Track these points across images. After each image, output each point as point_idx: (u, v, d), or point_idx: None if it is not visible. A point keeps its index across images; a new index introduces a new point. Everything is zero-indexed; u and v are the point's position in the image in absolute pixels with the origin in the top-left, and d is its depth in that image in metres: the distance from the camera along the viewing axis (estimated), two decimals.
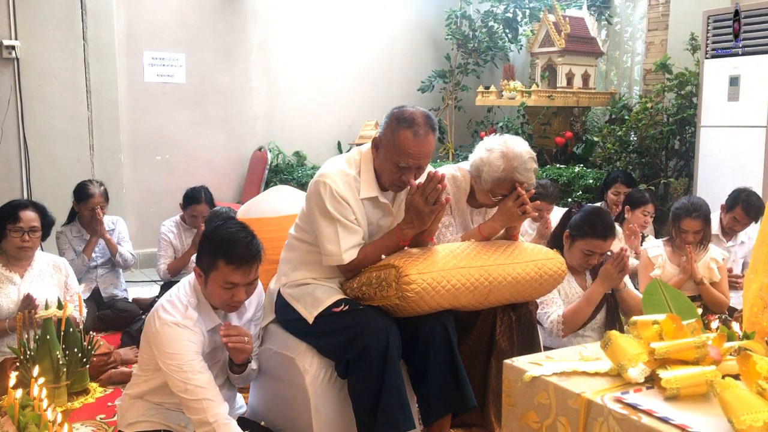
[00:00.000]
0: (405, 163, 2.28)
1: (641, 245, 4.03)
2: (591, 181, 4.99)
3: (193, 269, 2.26)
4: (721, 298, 3.43)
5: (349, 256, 2.32)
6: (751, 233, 3.94)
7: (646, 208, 4.02)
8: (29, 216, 3.19)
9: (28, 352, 2.83)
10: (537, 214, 3.80)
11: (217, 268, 2.15)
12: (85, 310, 3.35)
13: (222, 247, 2.15)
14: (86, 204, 3.97)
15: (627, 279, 3.08)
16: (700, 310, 3.19)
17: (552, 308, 2.85)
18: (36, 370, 2.41)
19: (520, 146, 2.54)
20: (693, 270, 3.39)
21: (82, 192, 3.99)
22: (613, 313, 3.00)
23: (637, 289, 3.59)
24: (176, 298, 2.23)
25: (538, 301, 2.77)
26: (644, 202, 4.03)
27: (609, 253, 3.06)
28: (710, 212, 3.52)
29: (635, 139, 5.44)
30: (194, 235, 4.04)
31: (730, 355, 1.52)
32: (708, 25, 4.66)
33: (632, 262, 3.73)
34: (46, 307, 2.99)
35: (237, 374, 2.35)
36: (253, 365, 2.41)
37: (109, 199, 4.09)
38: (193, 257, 2.72)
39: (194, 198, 4.12)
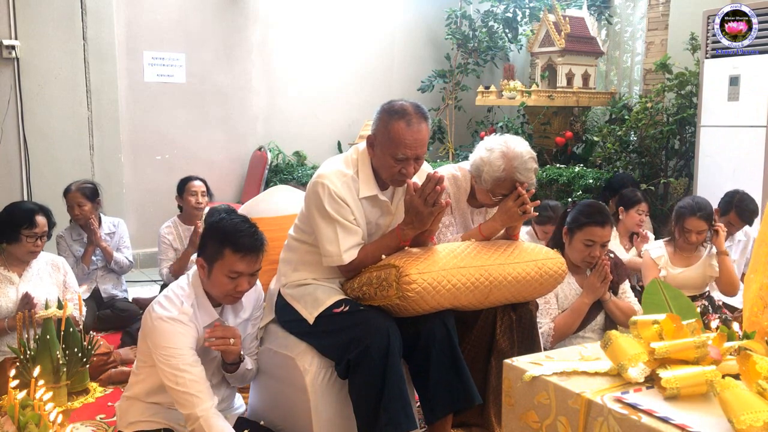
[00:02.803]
0: (403, 155, 2.28)
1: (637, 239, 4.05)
2: (591, 181, 4.99)
3: (196, 261, 2.28)
4: (735, 279, 3.44)
5: (348, 256, 2.32)
6: (748, 231, 3.95)
7: (640, 207, 4.03)
8: (42, 221, 3.23)
9: (28, 352, 2.83)
10: (546, 233, 3.80)
11: (223, 257, 2.18)
12: (84, 310, 3.35)
13: (228, 237, 2.19)
14: (66, 200, 4.04)
15: (625, 283, 3.08)
16: (699, 309, 3.20)
17: (544, 320, 2.85)
18: (36, 371, 2.40)
19: (520, 146, 2.54)
20: (719, 241, 3.38)
21: (65, 189, 4.06)
22: None
23: (641, 289, 3.60)
24: (173, 294, 2.26)
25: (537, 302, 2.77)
26: (637, 201, 4.05)
27: (612, 255, 3.06)
28: (713, 211, 3.53)
29: (635, 139, 5.44)
30: (191, 233, 4.04)
31: (730, 355, 1.52)
32: (708, 25, 4.65)
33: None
34: (46, 306, 3.00)
35: (230, 373, 2.35)
36: (248, 365, 2.40)
37: (98, 199, 4.07)
38: (193, 256, 2.73)
39: (188, 178, 4.26)
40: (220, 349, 2.23)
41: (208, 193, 4.25)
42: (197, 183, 4.22)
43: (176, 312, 2.18)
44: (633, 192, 4.15)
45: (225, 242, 2.18)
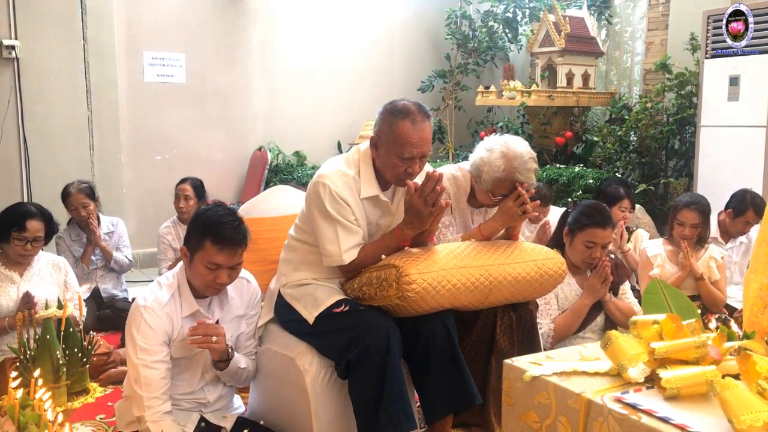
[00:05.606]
0: (409, 154, 2.28)
1: (629, 240, 4.03)
2: (591, 181, 4.99)
3: (180, 250, 2.31)
4: (719, 296, 3.43)
5: (349, 256, 2.32)
6: (749, 233, 3.94)
7: (622, 203, 4.01)
8: (35, 226, 3.20)
9: (28, 352, 2.83)
10: (537, 214, 3.79)
11: (203, 248, 2.20)
12: (84, 310, 3.35)
13: (210, 228, 2.20)
14: (68, 204, 4.03)
15: (626, 284, 3.07)
16: (699, 310, 3.19)
17: (544, 320, 2.85)
18: (38, 372, 2.40)
19: (520, 146, 2.54)
20: (691, 266, 3.38)
21: (63, 193, 4.05)
22: None
23: (638, 289, 3.60)
24: (157, 283, 2.30)
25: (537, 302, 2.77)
26: (620, 198, 4.02)
27: (612, 256, 3.06)
28: (710, 209, 3.51)
29: (635, 139, 5.44)
30: None
31: (730, 355, 1.52)
32: (708, 25, 4.65)
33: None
34: (46, 306, 2.99)
35: (220, 371, 2.34)
36: (241, 364, 2.38)
37: (96, 198, 4.08)
38: None
39: (181, 180, 4.30)
40: (203, 347, 2.24)
41: (199, 195, 4.22)
42: (183, 185, 4.22)
43: (151, 300, 2.23)
44: (615, 189, 4.13)
45: (206, 233, 2.20)
